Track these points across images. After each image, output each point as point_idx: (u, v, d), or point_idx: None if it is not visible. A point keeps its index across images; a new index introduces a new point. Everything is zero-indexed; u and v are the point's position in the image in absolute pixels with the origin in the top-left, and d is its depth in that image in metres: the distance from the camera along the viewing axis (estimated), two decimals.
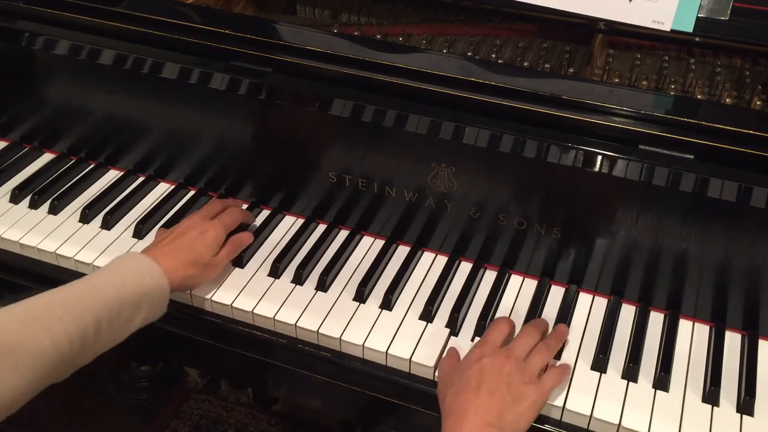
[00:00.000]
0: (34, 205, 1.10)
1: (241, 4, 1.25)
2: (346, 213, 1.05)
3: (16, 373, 0.70)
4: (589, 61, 1.06)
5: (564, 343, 0.91)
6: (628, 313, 0.95)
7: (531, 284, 0.99)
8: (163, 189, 1.14)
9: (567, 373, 0.86)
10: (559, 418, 0.84)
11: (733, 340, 0.92)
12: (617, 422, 0.82)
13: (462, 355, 0.87)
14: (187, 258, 0.90)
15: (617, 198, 0.89)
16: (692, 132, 0.85)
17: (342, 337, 0.91)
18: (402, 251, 1.03)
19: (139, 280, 0.84)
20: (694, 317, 0.94)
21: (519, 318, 0.94)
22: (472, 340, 0.91)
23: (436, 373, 0.88)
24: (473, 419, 0.75)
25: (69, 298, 0.78)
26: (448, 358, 0.87)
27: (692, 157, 0.84)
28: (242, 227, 1.04)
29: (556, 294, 0.98)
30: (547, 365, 0.86)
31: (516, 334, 0.89)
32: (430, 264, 1.02)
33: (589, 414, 0.83)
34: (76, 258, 1.01)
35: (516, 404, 0.78)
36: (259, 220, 1.08)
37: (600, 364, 0.88)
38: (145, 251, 0.91)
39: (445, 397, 0.80)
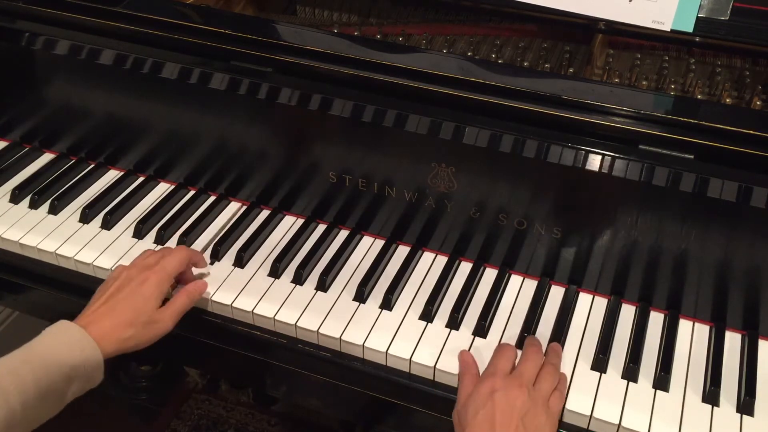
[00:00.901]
0: (34, 205, 1.10)
1: (241, 4, 1.25)
2: (346, 213, 1.05)
3: None
4: (589, 61, 1.06)
5: (564, 344, 0.91)
6: (628, 313, 0.95)
7: (531, 284, 0.99)
8: (163, 189, 1.14)
9: (566, 387, 0.85)
10: (559, 418, 0.84)
11: (733, 340, 0.92)
12: (617, 422, 0.82)
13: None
14: (122, 318, 0.84)
15: (617, 198, 0.88)
16: (692, 132, 0.85)
17: (342, 337, 0.91)
18: (402, 251, 1.03)
19: (67, 354, 0.79)
20: (694, 317, 0.94)
21: (519, 318, 0.94)
22: (472, 340, 0.91)
23: (437, 378, 0.88)
24: None
25: None
26: (469, 375, 0.84)
27: (692, 157, 0.84)
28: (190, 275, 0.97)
29: (556, 294, 0.98)
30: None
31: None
32: (430, 264, 1.02)
33: (589, 414, 0.83)
34: (76, 258, 1.01)
35: None
36: (258, 220, 1.08)
37: (600, 364, 0.88)
38: (79, 317, 0.85)
39: (464, 427, 0.78)
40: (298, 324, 0.92)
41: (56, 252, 1.02)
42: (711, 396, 0.84)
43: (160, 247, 1.03)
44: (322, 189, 1.04)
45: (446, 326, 0.93)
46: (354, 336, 0.91)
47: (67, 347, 0.79)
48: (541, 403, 0.80)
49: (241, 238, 1.05)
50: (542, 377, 0.83)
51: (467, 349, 0.89)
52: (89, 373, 0.80)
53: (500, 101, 0.90)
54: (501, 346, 0.88)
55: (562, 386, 0.84)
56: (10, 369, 0.75)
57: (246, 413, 1.76)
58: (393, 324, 0.93)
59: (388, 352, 0.89)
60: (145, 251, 0.95)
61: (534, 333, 0.92)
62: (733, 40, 0.97)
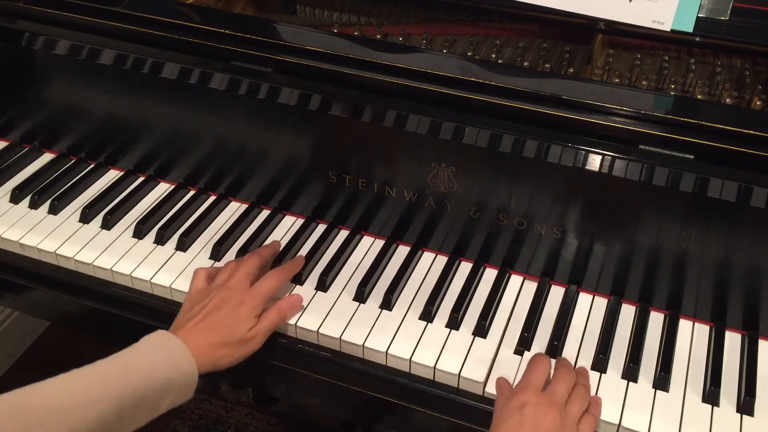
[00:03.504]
0: (34, 205, 1.10)
1: (241, 4, 1.25)
2: (346, 213, 1.05)
3: None
4: (589, 61, 1.06)
5: (564, 344, 0.91)
6: (628, 313, 0.95)
7: (531, 284, 0.99)
8: (163, 189, 1.14)
9: (599, 412, 0.82)
10: None
11: (733, 340, 0.92)
12: (617, 422, 0.82)
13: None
14: (218, 337, 0.85)
15: (617, 198, 0.88)
16: (692, 132, 0.85)
17: (342, 337, 0.91)
18: (402, 251, 1.03)
19: (167, 365, 0.79)
20: (694, 317, 0.94)
21: (519, 318, 0.94)
22: (472, 340, 0.91)
23: (437, 378, 0.88)
24: None
25: (93, 380, 0.75)
26: (503, 396, 0.82)
27: (692, 157, 0.84)
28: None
29: (556, 294, 0.98)
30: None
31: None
32: (430, 264, 1.02)
33: None
34: (76, 258, 1.01)
35: None
36: (258, 220, 1.08)
37: (600, 364, 0.88)
38: (176, 329, 0.86)
39: None
40: (298, 324, 0.92)
41: (56, 252, 1.02)
42: (711, 396, 0.84)
43: (159, 247, 1.03)
44: (322, 189, 1.04)
45: (446, 326, 0.93)
46: (354, 336, 0.91)
47: (166, 359, 0.80)
48: (570, 425, 0.77)
49: (241, 238, 1.05)
50: (573, 399, 0.80)
51: (467, 348, 0.89)
52: (184, 388, 0.81)
53: (500, 101, 0.90)
54: (535, 359, 0.85)
55: (596, 410, 0.82)
56: (112, 372, 0.76)
57: (246, 413, 1.76)
58: (393, 324, 0.93)
59: (388, 352, 0.89)
60: (228, 263, 0.94)
61: (534, 333, 0.92)
62: (733, 40, 0.97)
